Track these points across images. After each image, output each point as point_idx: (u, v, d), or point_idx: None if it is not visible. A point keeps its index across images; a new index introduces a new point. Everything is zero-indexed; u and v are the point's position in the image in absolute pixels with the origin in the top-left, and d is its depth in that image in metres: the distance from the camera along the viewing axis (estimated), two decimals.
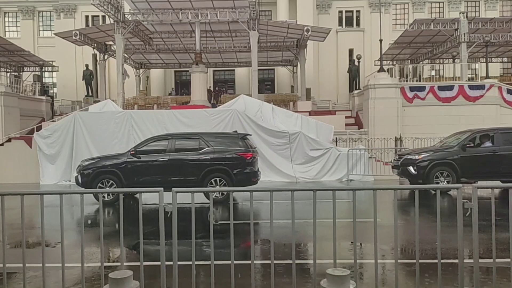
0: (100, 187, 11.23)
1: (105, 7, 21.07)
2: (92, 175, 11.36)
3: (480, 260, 4.07)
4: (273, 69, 37.12)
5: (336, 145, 18.09)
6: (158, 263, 4.03)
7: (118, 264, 5.63)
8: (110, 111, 17.52)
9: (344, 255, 6.09)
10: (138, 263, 4.17)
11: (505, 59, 34.47)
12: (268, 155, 16.54)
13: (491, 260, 4.16)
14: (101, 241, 4.11)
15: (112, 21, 23.25)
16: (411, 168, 12.90)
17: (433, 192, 12.08)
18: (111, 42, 27.15)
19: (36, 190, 14.88)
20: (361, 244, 6.89)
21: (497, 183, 12.62)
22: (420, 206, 4.16)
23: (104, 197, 11.22)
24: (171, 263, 3.94)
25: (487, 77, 22.98)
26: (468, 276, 4.93)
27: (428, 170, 12.54)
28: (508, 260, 4.13)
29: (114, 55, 26.45)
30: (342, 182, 16.33)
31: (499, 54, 31.46)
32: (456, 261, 4.04)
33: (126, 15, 23.08)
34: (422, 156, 12.85)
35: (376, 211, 4.03)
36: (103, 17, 34.66)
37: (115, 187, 11.21)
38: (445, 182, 12.37)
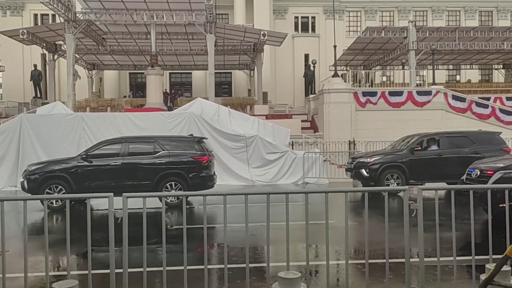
0: (48, 193, 10.75)
1: (55, 5, 20.28)
2: (39, 180, 10.85)
3: (426, 259, 4.25)
4: (230, 73, 37.15)
5: (292, 148, 18.34)
6: (108, 271, 3.90)
7: (65, 273, 5.40)
8: (59, 113, 16.83)
9: (300, 257, 6.16)
10: (87, 272, 4.02)
11: (451, 67, 36.44)
12: (225, 159, 16.49)
13: (436, 259, 4.36)
14: (46, 249, 3.93)
15: (62, 20, 22.39)
16: (363, 171, 13.32)
17: (384, 193, 12.51)
18: (61, 42, 26.15)
19: None
20: (316, 246, 7.01)
21: (443, 184, 13.28)
22: (371, 208, 4.29)
23: (52, 203, 10.75)
24: (121, 270, 3.83)
25: (433, 83, 24.15)
26: (415, 274, 5.13)
27: (379, 173, 12.99)
28: (452, 258, 4.34)
29: (65, 55, 25.48)
30: (298, 185, 16.56)
31: (445, 61, 33.22)
32: (403, 260, 4.19)
33: (77, 14, 22.32)
34: (374, 159, 13.30)
35: (328, 213, 4.11)
36: (53, 15, 33.25)
37: (64, 193, 10.77)
38: (395, 184, 12.87)
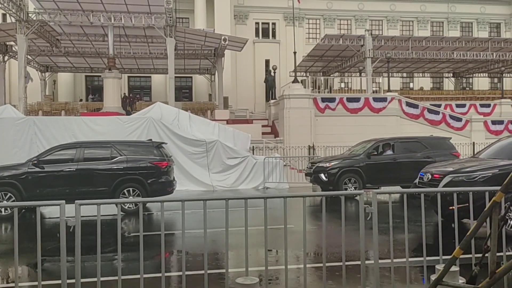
0: None
1: (5, 4, 19.39)
2: None
3: (380, 261, 4.36)
4: (191, 77, 36.86)
5: (253, 153, 18.40)
6: (59, 281, 3.74)
7: (13, 285, 5.13)
8: (9, 117, 16.02)
9: (260, 262, 6.16)
10: (37, 283, 3.83)
11: (405, 74, 37.92)
12: (185, 164, 16.29)
13: (390, 261, 4.49)
14: None
15: (14, 20, 21.42)
16: (322, 175, 13.55)
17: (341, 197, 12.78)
18: (12, 43, 25.00)
19: None
20: (276, 251, 7.04)
21: (397, 188, 13.74)
22: (330, 211, 4.36)
23: (0, 211, 10.21)
24: (73, 281, 3.68)
25: (389, 90, 25.03)
26: (370, 276, 5.26)
27: (338, 177, 13.26)
28: (405, 260, 4.49)
29: (16, 56, 24.36)
30: (258, 190, 16.61)
31: (399, 69, 34.54)
32: (360, 262, 4.29)
33: (30, 15, 21.44)
34: (332, 164, 13.57)
35: (288, 218, 4.14)
36: (4, 15, 31.76)
37: (14, 200, 10.24)
38: (353, 188, 13.17)
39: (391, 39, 27.41)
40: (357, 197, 13.39)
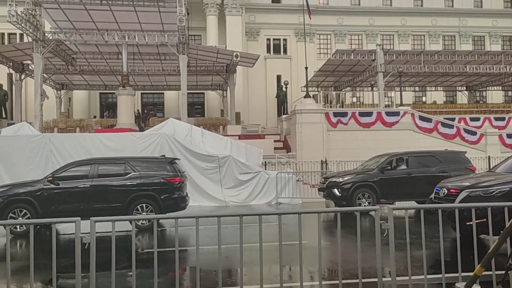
0: (12, 217, 10.28)
1: (23, 25, 19.91)
2: (2, 204, 10.36)
3: (398, 278, 4.28)
4: (203, 93, 37.19)
5: (265, 168, 18.35)
6: None
7: None
8: (25, 134, 16.29)
9: (274, 279, 6.09)
10: None
11: (417, 88, 37.72)
12: (198, 180, 16.31)
13: (408, 278, 4.40)
14: (7, 276, 3.73)
15: (30, 40, 21.98)
16: (335, 191, 13.43)
17: (357, 213, 12.63)
18: (29, 62, 25.60)
19: None
20: (290, 267, 6.95)
21: (413, 203, 13.55)
22: (344, 227, 4.31)
23: (15, 228, 10.30)
24: None
25: (401, 104, 24.90)
26: None
27: (351, 192, 13.12)
28: (423, 277, 4.39)
29: (32, 75, 24.91)
30: (271, 206, 16.51)
31: (412, 83, 34.38)
32: (376, 279, 4.21)
33: (46, 34, 21.97)
34: (346, 178, 13.45)
35: (301, 234, 4.10)
36: (21, 35, 32.60)
37: (29, 217, 10.34)
38: (367, 203, 13.02)
39: (403, 53, 27.37)
40: (372, 213, 13.21)
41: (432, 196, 8.60)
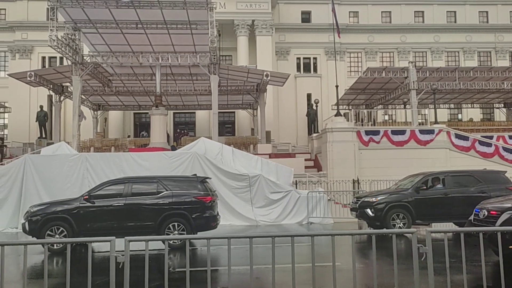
0: (49, 235, 10.58)
1: (63, 49, 20.86)
2: (40, 222, 10.70)
3: None
4: (234, 112, 37.56)
5: (296, 187, 18.20)
6: None
7: None
8: (63, 153, 16.89)
9: None
10: None
11: (452, 106, 36.73)
12: (228, 198, 16.35)
13: None
14: None
15: (70, 63, 22.97)
16: (368, 211, 13.11)
17: (390, 234, 12.27)
18: (68, 84, 26.69)
19: None
20: None
21: (450, 225, 13.05)
22: (378, 249, 4.18)
23: (52, 245, 10.58)
24: None
25: (436, 122, 24.28)
26: None
27: (385, 213, 12.77)
28: None
29: (71, 96, 25.94)
30: (302, 225, 16.30)
31: (446, 100, 33.54)
32: None
33: (84, 57, 22.90)
34: (379, 198, 13.12)
35: (335, 256, 4.01)
36: (61, 58, 34.14)
37: (65, 235, 10.61)
38: (401, 224, 12.63)
39: (437, 70, 26.83)
40: (408, 235, 12.78)
41: (472, 218, 8.25)
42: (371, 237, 4.19)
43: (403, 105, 32.30)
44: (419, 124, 26.65)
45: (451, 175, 13.42)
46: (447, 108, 37.51)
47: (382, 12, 40.12)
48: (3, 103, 29.58)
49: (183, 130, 34.15)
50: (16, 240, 12.91)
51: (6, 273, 3.81)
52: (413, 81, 25.16)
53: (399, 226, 12.60)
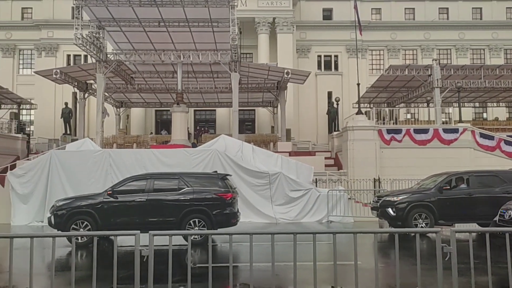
0: (74, 229, 10.84)
1: (87, 47, 21.27)
2: (66, 216, 10.97)
3: None
4: (254, 110, 37.62)
5: (316, 186, 18.13)
6: None
7: None
8: (88, 149, 17.24)
9: None
10: None
11: (477, 104, 35.89)
12: (248, 196, 16.41)
13: None
14: (72, 286, 3.93)
15: (94, 61, 23.41)
16: (390, 210, 12.96)
17: (413, 234, 12.10)
18: (92, 81, 27.21)
19: (6, 232, 14.30)
20: None
21: (475, 226, 12.79)
22: (399, 249, 4.14)
23: (77, 239, 10.82)
24: None
25: (460, 121, 23.79)
26: None
27: (407, 212, 12.60)
28: None
29: (95, 93, 26.44)
30: (322, 224, 16.24)
31: (471, 99, 32.79)
32: None
33: (108, 55, 23.29)
34: (401, 198, 12.95)
35: (357, 255, 3.99)
36: (85, 56, 34.86)
37: (89, 229, 10.85)
38: (424, 224, 12.44)
39: (461, 68, 26.25)
40: (431, 235, 12.60)
41: (497, 218, 8.09)
42: (393, 236, 4.16)
43: (426, 104, 31.74)
44: (443, 123, 26.16)
45: (476, 175, 13.13)
46: (472, 107, 36.69)
47: (405, 9, 39.49)
48: (29, 100, 30.36)
49: (203, 128, 34.39)
50: (45, 233, 13.25)
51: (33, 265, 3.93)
52: (437, 79, 24.68)
53: (421, 226, 12.41)
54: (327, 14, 38.95)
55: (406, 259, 8.97)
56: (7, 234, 4.00)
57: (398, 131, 21.14)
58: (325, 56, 38.85)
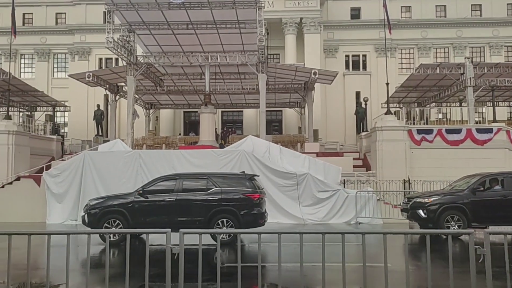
0: (106, 227, 11.14)
1: (118, 50, 21.79)
2: (98, 214, 11.30)
3: None
4: (281, 111, 37.58)
5: (344, 186, 17.95)
6: None
7: None
8: (119, 150, 17.68)
9: None
10: None
11: None
12: (276, 196, 16.42)
13: None
14: (106, 284, 4.05)
15: (124, 64, 23.97)
16: (420, 212, 12.69)
17: (444, 236, 11.81)
18: (122, 84, 27.85)
19: (43, 230, 14.82)
20: None
21: (510, 228, 12.35)
22: (431, 251, 4.07)
23: (110, 237, 11.10)
24: None
25: (494, 121, 23.02)
26: None
27: (439, 214, 12.31)
28: None
29: (125, 96, 27.04)
30: (350, 225, 16.07)
31: (506, 98, 31.64)
32: None
33: (138, 58, 23.80)
34: (432, 199, 12.66)
35: (387, 256, 3.95)
36: (116, 59, 35.73)
37: (121, 227, 11.13)
38: (456, 226, 12.12)
39: (495, 66, 25.36)
40: (463, 237, 12.27)
41: None
42: (424, 238, 4.09)
43: (458, 103, 30.86)
44: (476, 122, 25.37)
45: (511, 176, 12.69)
46: (507, 106, 35.37)
47: (436, 6, 38.54)
48: (63, 102, 31.37)
49: (230, 128, 34.61)
50: (80, 230, 13.66)
51: (64, 262, 4.08)
52: (470, 78, 23.96)
53: (454, 229, 12.10)
54: (355, 13, 38.48)
55: (438, 261, 8.77)
56: (45, 231, 4.17)
57: (429, 131, 20.66)
58: (353, 55, 38.39)
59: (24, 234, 4.00)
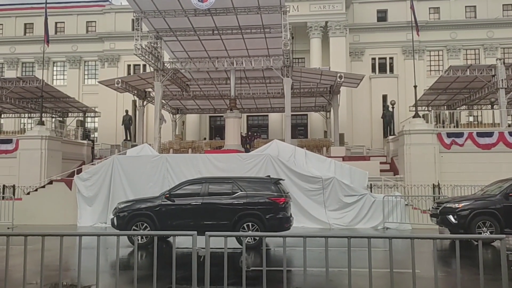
0: (134, 230, 11.36)
1: (146, 56, 22.25)
2: (127, 217, 11.54)
3: None
4: (306, 115, 37.42)
5: (371, 191, 17.69)
6: None
7: None
8: (146, 154, 18.00)
9: None
10: None
11: None
12: (301, 201, 16.34)
13: None
14: (134, 285, 4.14)
15: (152, 70, 24.44)
16: (451, 217, 12.37)
17: (475, 243, 11.48)
18: (150, 89, 28.39)
19: (74, 231, 15.23)
20: None
21: None
22: (461, 258, 3.97)
23: (138, 240, 11.32)
24: None
25: None
26: None
27: (470, 220, 11.96)
28: None
29: (153, 101, 27.55)
30: (377, 230, 15.81)
31: None
32: None
33: (165, 64, 24.23)
34: (463, 204, 12.33)
35: (415, 262, 3.88)
36: (144, 65, 36.53)
37: (149, 230, 11.32)
38: (488, 232, 11.75)
39: None
40: (495, 243, 11.88)
41: None
42: (453, 244, 3.99)
43: (490, 106, 29.97)
44: (509, 125, 24.56)
45: None
46: None
47: (466, 6, 37.64)
48: (93, 108, 32.26)
49: (255, 133, 34.69)
50: (109, 232, 14.00)
51: (93, 263, 4.19)
52: (502, 79, 23.25)
53: (485, 235, 11.73)
54: (382, 16, 38.00)
55: (468, 268, 8.53)
56: (76, 232, 4.30)
57: (459, 135, 20.15)
58: (379, 58, 37.89)
59: (57, 236, 4.13)
